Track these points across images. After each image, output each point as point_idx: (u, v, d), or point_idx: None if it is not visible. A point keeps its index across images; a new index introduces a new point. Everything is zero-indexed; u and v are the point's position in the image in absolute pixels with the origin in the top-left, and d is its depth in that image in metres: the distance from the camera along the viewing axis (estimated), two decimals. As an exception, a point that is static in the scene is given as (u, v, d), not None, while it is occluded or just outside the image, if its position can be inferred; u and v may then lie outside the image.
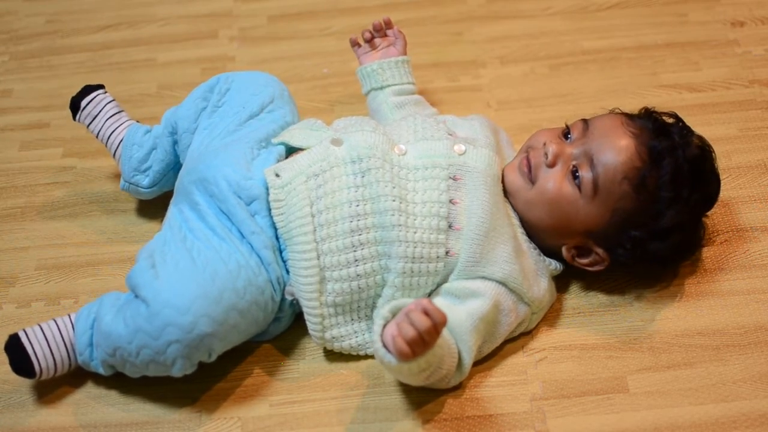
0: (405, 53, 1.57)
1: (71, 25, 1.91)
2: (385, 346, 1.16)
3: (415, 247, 1.27)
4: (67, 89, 1.77)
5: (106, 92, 1.53)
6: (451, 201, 1.29)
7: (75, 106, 1.52)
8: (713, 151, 1.34)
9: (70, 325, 1.29)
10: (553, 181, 1.29)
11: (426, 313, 1.13)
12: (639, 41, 1.76)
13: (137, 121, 1.53)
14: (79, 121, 1.53)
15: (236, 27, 1.88)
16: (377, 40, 1.57)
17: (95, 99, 1.52)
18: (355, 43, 1.59)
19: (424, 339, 1.13)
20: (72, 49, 1.86)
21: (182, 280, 1.22)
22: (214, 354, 1.25)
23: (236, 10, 1.91)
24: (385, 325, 1.17)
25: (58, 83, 1.79)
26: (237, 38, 1.85)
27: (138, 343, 1.22)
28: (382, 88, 1.54)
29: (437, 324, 1.13)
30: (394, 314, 1.17)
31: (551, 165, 1.30)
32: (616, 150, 1.28)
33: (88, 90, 1.53)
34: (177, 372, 1.24)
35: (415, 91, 1.56)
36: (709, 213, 1.36)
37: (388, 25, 1.58)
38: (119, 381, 1.30)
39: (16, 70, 1.83)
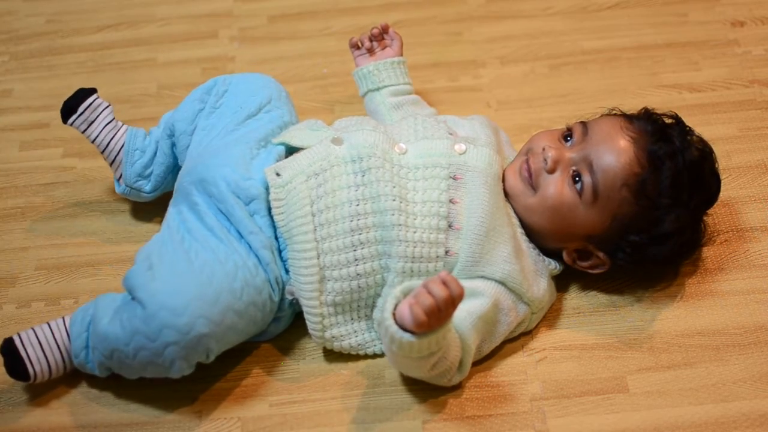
0: (401, 54, 1.57)
1: (71, 25, 1.91)
2: (396, 323, 1.15)
3: (414, 247, 1.27)
4: (67, 89, 1.76)
5: (98, 96, 1.49)
6: (451, 200, 1.29)
7: (71, 109, 1.47)
8: (713, 152, 1.33)
9: (64, 328, 1.29)
10: (554, 187, 1.29)
11: (444, 283, 1.13)
12: (639, 41, 1.76)
13: (125, 124, 1.50)
14: (71, 125, 1.48)
15: (236, 27, 1.87)
16: (374, 43, 1.57)
17: (93, 104, 1.47)
18: (354, 45, 1.59)
19: (441, 309, 1.13)
20: (72, 49, 1.86)
21: (179, 282, 1.22)
22: (212, 355, 1.25)
23: (236, 10, 1.91)
24: (396, 305, 1.16)
25: (58, 83, 1.79)
26: (237, 38, 1.85)
27: (135, 346, 1.22)
28: (378, 89, 1.54)
29: (455, 296, 1.13)
30: (405, 295, 1.17)
31: (551, 171, 1.30)
32: (615, 155, 1.27)
33: (83, 94, 1.48)
34: (175, 373, 1.24)
35: (412, 91, 1.56)
36: (709, 212, 1.35)
37: (386, 30, 1.58)
38: (119, 381, 1.30)
39: (16, 70, 1.83)
